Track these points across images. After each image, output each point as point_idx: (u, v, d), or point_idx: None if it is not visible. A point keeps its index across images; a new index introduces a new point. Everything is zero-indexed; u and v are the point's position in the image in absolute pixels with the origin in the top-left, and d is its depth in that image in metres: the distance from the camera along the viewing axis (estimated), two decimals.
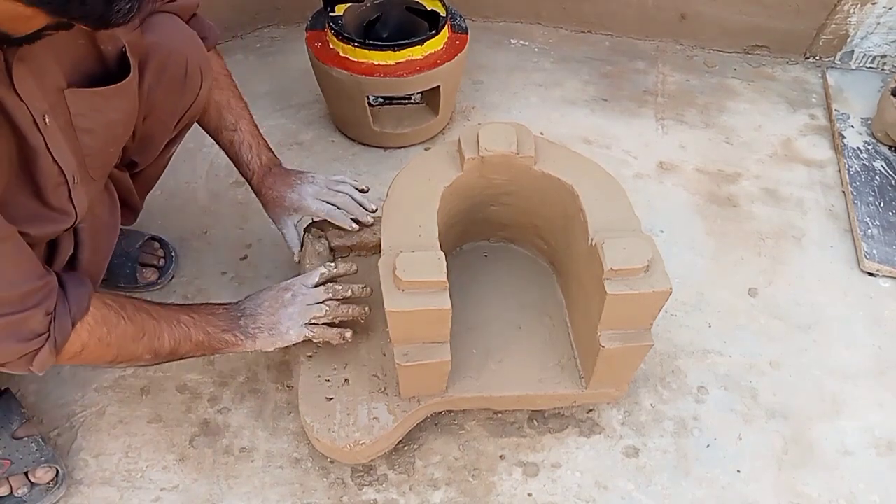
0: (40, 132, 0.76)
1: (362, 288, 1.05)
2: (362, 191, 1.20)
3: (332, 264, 1.05)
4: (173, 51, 0.98)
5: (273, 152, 1.19)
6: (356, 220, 1.16)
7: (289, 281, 1.04)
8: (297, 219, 1.18)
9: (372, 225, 1.18)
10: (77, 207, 0.86)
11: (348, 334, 1.02)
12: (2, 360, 0.77)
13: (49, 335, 0.78)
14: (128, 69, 0.87)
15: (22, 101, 0.73)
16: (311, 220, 1.22)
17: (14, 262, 0.74)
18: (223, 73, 1.15)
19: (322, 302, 1.01)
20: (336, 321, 1.02)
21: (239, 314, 0.99)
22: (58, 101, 0.79)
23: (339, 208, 1.16)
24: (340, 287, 1.03)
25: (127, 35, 0.88)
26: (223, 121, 1.14)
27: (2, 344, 0.75)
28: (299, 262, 1.19)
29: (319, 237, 1.19)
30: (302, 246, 1.20)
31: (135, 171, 1.10)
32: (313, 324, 1.00)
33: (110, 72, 0.87)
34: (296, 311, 1.00)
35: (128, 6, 0.60)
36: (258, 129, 1.18)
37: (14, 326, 0.75)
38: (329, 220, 1.16)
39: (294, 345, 1.01)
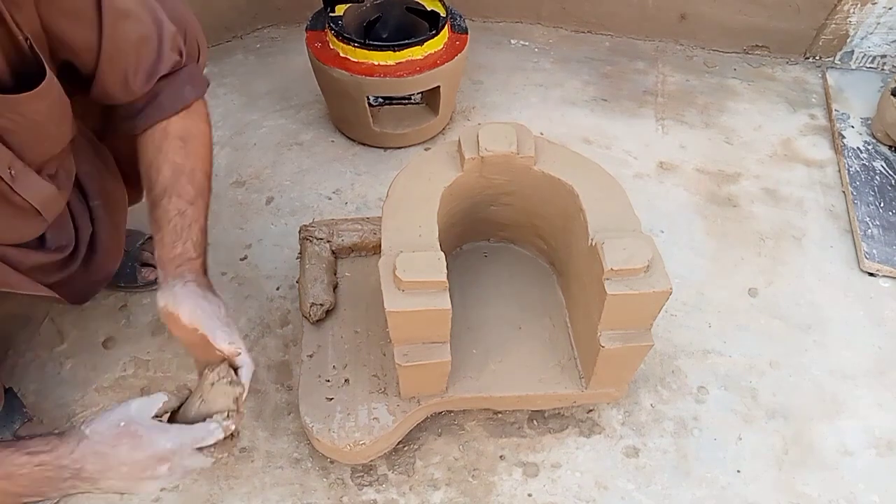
0: None
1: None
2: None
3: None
4: None
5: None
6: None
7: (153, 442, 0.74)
8: (178, 291, 0.84)
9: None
10: (30, 199, 0.83)
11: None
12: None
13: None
14: (44, 72, 0.76)
15: None
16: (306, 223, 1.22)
17: None
18: (201, 133, 0.94)
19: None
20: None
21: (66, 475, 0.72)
22: None
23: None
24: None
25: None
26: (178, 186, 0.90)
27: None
28: (299, 257, 1.20)
29: (320, 239, 1.20)
30: (301, 250, 1.20)
31: None
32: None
33: (33, 70, 0.76)
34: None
35: None
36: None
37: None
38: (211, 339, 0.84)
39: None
